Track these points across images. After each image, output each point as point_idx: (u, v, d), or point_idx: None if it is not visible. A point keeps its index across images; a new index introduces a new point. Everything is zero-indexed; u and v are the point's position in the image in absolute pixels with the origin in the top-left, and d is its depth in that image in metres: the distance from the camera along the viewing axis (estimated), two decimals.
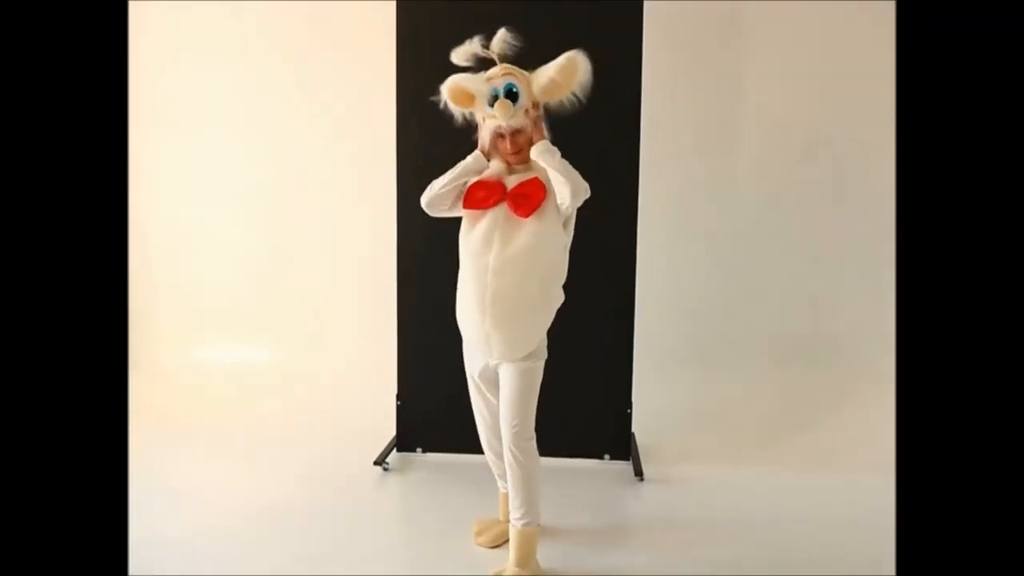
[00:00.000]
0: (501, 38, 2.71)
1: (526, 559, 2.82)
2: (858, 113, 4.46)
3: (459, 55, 2.73)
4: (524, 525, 2.82)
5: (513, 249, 2.68)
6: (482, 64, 2.74)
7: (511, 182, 2.75)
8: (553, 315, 2.82)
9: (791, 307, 4.62)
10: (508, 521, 3.01)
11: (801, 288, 4.61)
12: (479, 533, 3.13)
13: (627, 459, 3.86)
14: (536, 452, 2.82)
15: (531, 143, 2.72)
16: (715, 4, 4.46)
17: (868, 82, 4.41)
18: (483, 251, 2.72)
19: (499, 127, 2.70)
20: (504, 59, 2.71)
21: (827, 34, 4.43)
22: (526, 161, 2.75)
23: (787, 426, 4.30)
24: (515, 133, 2.70)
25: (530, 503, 2.82)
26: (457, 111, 2.77)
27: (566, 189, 2.63)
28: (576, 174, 2.66)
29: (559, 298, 2.82)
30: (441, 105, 2.75)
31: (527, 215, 2.67)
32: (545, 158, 2.67)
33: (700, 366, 4.63)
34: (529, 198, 2.69)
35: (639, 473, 3.74)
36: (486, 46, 2.72)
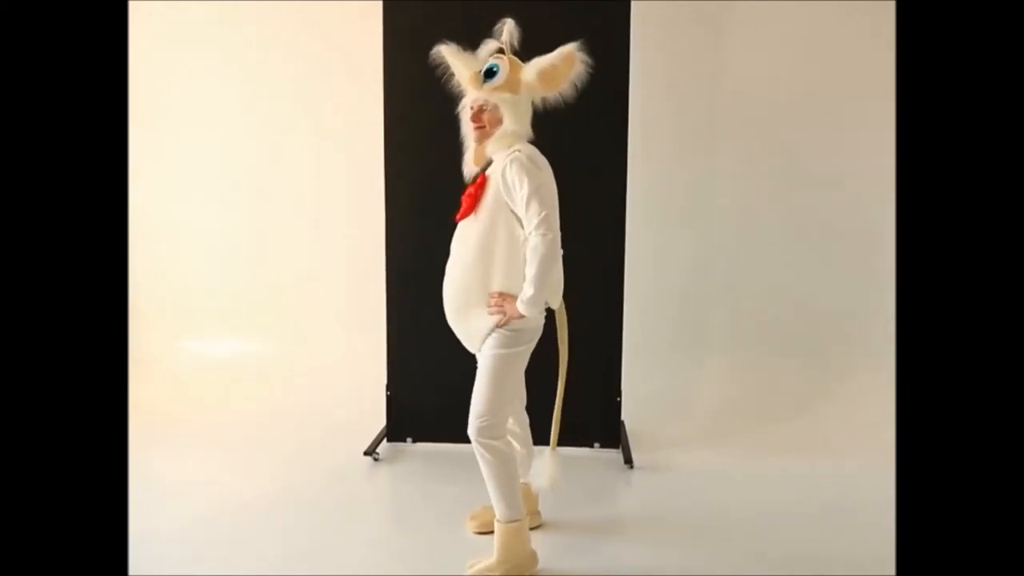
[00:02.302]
0: (509, 29, 2.68)
1: (504, 553, 2.73)
2: (847, 102, 4.42)
3: (481, 52, 2.70)
4: (497, 521, 2.76)
5: (461, 247, 2.68)
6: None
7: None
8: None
9: (780, 296, 4.59)
10: None
11: (790, 277, 4.58)
12: (473, 517, 3.09)
13: (617, 447, 3.83)
14: (503, 452, 2.69)
15: (496, 124, 2.64)
16: (703, 4, 4.43)
17: (854, 75, 4.38)
18: (451, 249, 2.75)
19: (469, 99, 2.68)
20: (512, 49, 2.68)
21: (817, 28, 4.40)
22: (486, 139, 2.66)
23: (776, 414, 4.28)
24: (479, 110, 2.65)
25: (500, 499, 2.72)
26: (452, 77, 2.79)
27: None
28: (544, 283, 2.52)
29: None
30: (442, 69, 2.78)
31: (459, 219, 2.68)
32: (531, 305, 2.54)
33: (689, 355, 4.60)
34: (469, 198, 2.66)
35: (629, 461, 3.72)
36: (497, 37, 2.70)
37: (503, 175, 2.55)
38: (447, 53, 2.71)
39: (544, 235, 2.48)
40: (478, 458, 2.72)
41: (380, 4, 3.66)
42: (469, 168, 2.77)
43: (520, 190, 2.50)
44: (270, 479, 3.57)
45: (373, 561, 2.87)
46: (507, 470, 2.71)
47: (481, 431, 2.67)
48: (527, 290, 2.52)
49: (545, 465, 2.80)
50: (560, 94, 2.62)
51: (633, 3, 3.57)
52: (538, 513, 3.12)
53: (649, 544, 3.00)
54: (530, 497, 3.07)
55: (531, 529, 2.94)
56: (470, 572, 2.74)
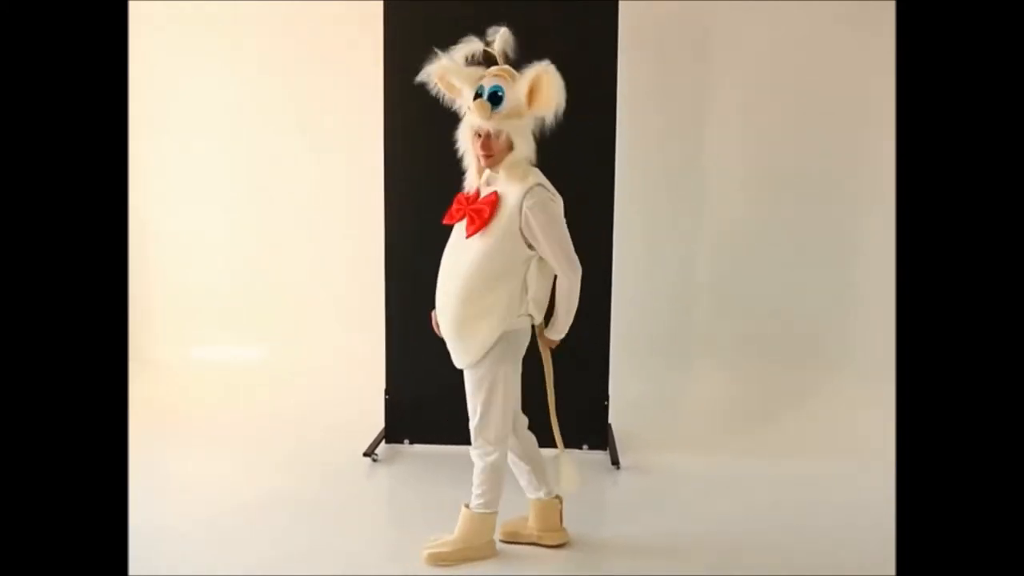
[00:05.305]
0: (504, 37, 2.54)
1: (462, 534, 2.75)
2: (839, 105, 4.31)
3: (459, 53, 2.55)
4: (466, 506, 2.78)
5: (460, 263, 2.58)
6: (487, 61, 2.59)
7: (485, 191, 2.63)
8: (499, 327, 2.59)
9: (768, 299, 4.49)
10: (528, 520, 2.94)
11: (779, 281, 4.47)
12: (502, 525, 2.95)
13: (605, 449, 3.77)
14: (497, 461, 2.70)
15: (508, 150, 2.54)
16: (694, 5, 4.34)
17: (848, 79, 4.28)
18: (446, 258, 2.68)
19: (476, 126, 2.54)
20: (505, 59, 2.56)
21: (810, 30, 4.30)
22: (497, 165, 2.57)
23: (763, 417, 4.21)
24: (489, 136, 2.52)
25: (480, 492, 2.74)
26: (443, 93, 2.64)
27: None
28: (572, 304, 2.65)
29: (506, 312, 2.59)
30: (432, 88, 2.62)
31: (468, 235, 2.55)
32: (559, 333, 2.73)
33: (676, 358, 4.53)
34: (478, 215, 2.54)
35: (616, 462, 3.67)
36: (489, 44, 2.56)
37: (526, 214, 2.49)
38: (453, 74, 2.54)
39: (575, 278, 2.60)
40: (474, 456, 2.71)
41: (380, 5, 3.59)
42: (471, 183, 2.67)
43: (548, 234, 2.53)
44: (270, 480, 3.49)
45: (371, 561, 2.80)
46: (494, 473, 2.72)
47: (474, 434, 2.71)
48: (560, 323, 2.69)
49: (563, 470, 2.83)
50: (556, 109, 2.50)
51: (621, 4, 3.51)
52: (564, 529, 2.93)
53: (635, 543, 2.94)
54: (554, 511, 2.91)
55: (557, 547, 2.88)
56: (427, 550, 2.74)
